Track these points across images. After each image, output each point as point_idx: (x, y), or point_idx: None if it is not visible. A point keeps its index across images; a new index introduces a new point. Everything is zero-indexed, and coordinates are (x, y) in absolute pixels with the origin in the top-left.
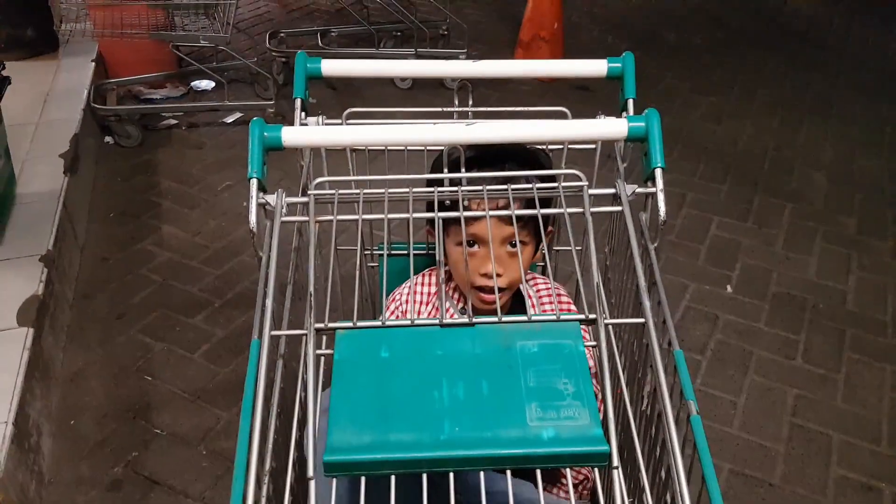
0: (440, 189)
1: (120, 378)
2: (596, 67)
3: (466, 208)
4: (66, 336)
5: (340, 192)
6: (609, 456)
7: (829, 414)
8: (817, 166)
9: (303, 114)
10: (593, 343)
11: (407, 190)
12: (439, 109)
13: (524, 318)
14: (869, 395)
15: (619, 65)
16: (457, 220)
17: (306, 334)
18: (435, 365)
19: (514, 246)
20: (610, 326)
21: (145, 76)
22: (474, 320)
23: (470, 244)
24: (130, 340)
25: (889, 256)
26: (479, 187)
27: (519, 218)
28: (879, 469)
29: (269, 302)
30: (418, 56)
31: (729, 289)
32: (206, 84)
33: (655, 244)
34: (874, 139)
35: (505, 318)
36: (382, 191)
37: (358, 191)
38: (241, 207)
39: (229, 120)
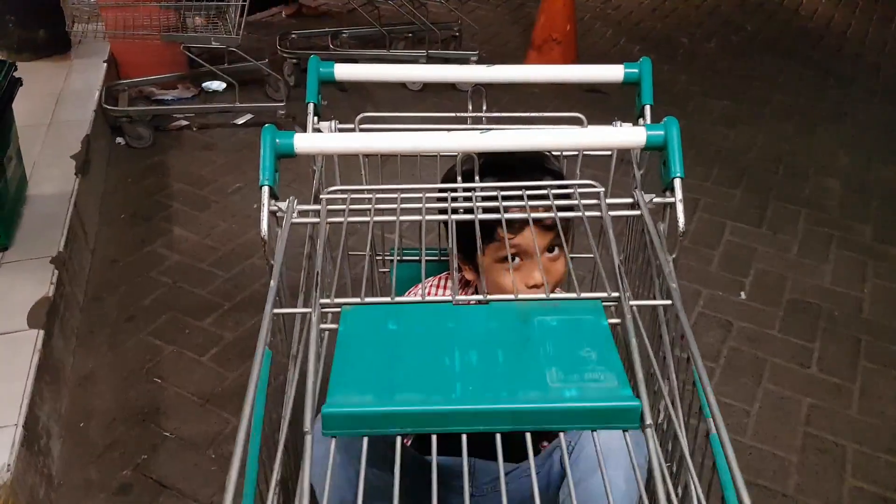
0: (454, 195)
1: (129, 381)
2: (612, 73)
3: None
4: (76, 338)
5: (352, 195)
6: (641, 413)
7: (843, 424)
8: (832, 173)
9: (315, 118)
10: (616, 320)
11: (420, 195)
12: (453, 115)
13: (541, 295)
14: (884, 405)
15: (636, 70)
16: (494, 238)
17: (311, 312)
18: (446, 336)
19: (551, 251)
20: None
21: (157, 77)
22: (489, 298)
23: (512, 258)
24: (140, 343)
25: None
26: (494, 193)
27: (555, 225)
28: (895, 480)
29: (268, 308)
30: (430, 58)
31: (742, 295)
32: (217, 85)
33: (674, 255)
34: (890, 146)
35: (521, 296)
36: (395, 195)
37: (370, 195)
38: (252, 210)
39: (240, 121)
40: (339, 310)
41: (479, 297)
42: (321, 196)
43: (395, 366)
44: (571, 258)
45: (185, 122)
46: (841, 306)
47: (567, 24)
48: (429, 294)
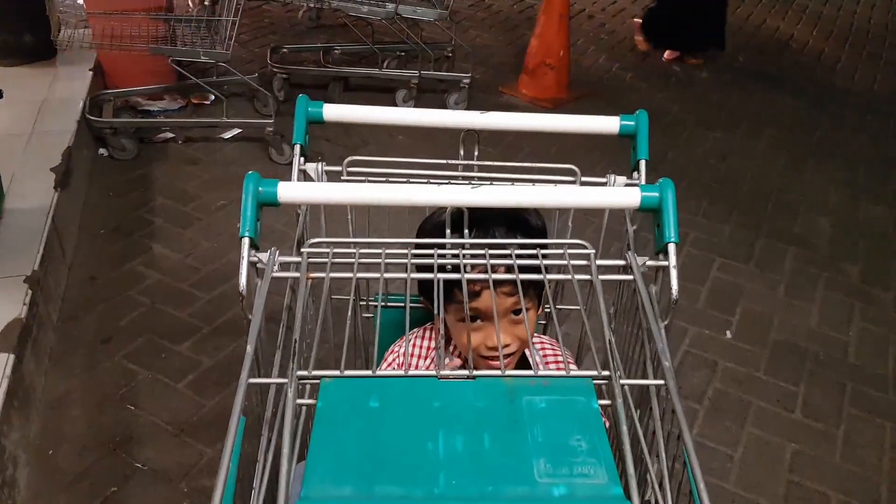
0: (440, 251)
1: (102, 407)
2: (608, 125)
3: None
4: (49, 359)
5: (336, 250)
6: None
7: (827, 472)
8: (822, 210)
9: (302, 159)
10: (606, 402)
11: (405, 251)
12: (444, 161)
13: (530, 372)
14: (868, 453)
15: (632, 123)
16: (456, 299)
17: (287, 382)
18: (430, 416)
19: (517, 314)
20: (626, 387)
21: (143, 88)
22: (475, 373)
23: (473, 319)
24: (115, 366)
25: (893, 309)
26: (476, 253)
27: (517, 290)
28: None
29: (244, 376)
30: (421, 78)
31: (728, 334)
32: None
33: (666, 321)
34: (879, 185)
35: (509, 372)
36: (380, 251)
37: (354, 250)
38: (235, 229)
39: (227, 136)
40: (317, 381)
41: (465, 372)
42: (303, 250)
43: (375, 452)
44: (560, 309)
45: (170, 135)
46: (827, 349)
47: (561, 50)
48: (413, 347)
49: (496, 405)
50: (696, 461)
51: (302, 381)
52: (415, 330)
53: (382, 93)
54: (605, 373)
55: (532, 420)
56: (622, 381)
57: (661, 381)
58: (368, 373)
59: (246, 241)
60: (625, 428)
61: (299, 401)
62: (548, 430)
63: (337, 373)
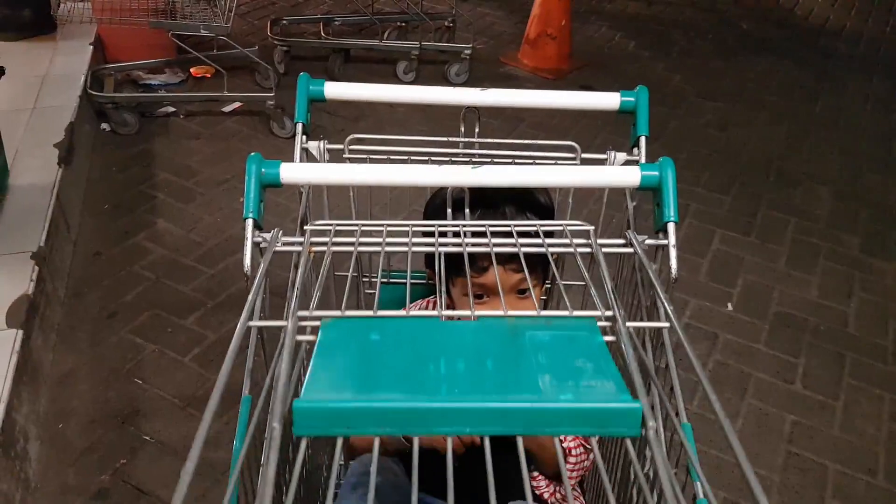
0: (442, 230)
1: (110, 381)
2: (608, 101)
3: (472, 258)
4: (56, 335)
5: (338, 227)
6: (642, 415)
7: (825, 443)
8: (823, 180)
9: (304, 137)
10: (611, 338)
11: (406, 229)
12: (445, 139)
13: (533, 312)
14: (866, 424)
15: (632, 99)
16: (463, 273)
17: (286, 325)
18: (432, 346)
19: (522, 293)
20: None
21: (144, 62)
22: (477, 314)
23: (479, 297)
24: (121, 341)
25: (893, 279)
26: (483, 230)
27: (522, 268)
28: (874, 502)
29: (244, 317)
30: (422, 49)
31: (729, 306)
32: (204, 69)
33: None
34: (881, 153)
35: (511, 312)
36: (381, 229)
37: (355, 227)
38: (238, 203)
39: (228, 109)
40: (318, 323)
41: (467, 312)
42: (305, 228)
43: (376, 369)
44: (566, 285)
45: (172, 109)
46: (827, 320)
47: (563, 19)
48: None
49: (499, 339)
50: (712, 389)
51: (302, 322)
52: (417, 301)
53: (383, 64)
54: (609, 313)
55: (536, 350)
56: (627, 324)
57: (667, 324)
58: (370, 313)
59: (250, 222)
60: (632, 353)
61: (299, 337)
62: (552, 357)
63: (338, 313)
